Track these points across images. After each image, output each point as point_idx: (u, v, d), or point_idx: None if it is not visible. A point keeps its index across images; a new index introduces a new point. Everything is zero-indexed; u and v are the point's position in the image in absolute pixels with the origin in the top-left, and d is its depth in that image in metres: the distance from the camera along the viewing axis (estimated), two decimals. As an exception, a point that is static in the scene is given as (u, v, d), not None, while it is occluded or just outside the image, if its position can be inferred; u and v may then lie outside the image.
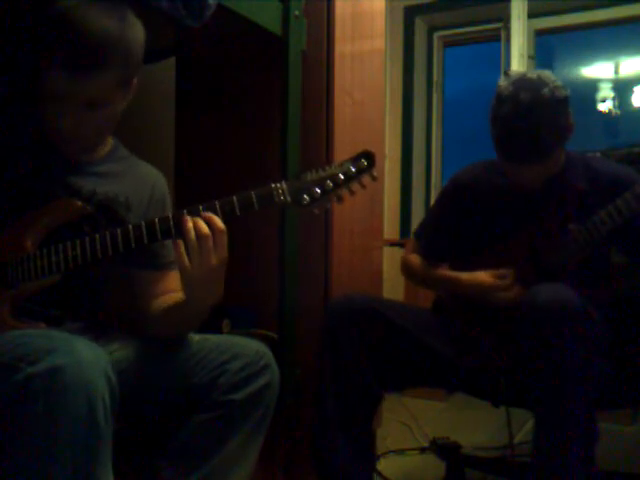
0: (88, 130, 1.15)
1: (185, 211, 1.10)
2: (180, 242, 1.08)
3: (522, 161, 1.48)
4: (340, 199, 1.16)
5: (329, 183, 1.14)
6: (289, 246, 1.66)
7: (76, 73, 1.07)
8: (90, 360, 0.87)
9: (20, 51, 1.17)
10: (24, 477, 0.84)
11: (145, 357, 1.22)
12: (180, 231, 1.08)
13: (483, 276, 1.54)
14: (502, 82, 1.48)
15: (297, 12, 1.70)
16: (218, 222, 1.08)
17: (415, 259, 1.77)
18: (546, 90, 1.43)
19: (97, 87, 1.10)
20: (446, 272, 1.67)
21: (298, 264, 1.69)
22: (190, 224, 1.07)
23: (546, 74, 1.47)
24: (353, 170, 1.15)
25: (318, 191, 1.14)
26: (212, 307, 1.18)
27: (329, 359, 1.48)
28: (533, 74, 1.48)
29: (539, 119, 1.42)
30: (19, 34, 1.17)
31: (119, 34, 1.10)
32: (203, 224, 1.07)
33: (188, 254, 1.08)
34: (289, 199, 1.13)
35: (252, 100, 1.91)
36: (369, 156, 1.17)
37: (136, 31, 1.14)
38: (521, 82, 1.46)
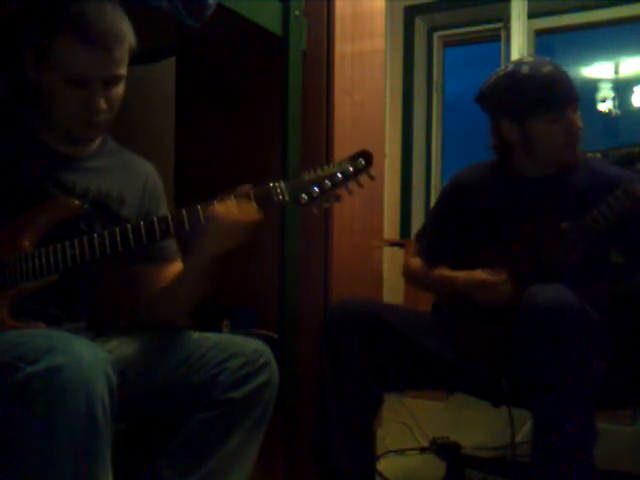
0: (104, 110, 1.16)
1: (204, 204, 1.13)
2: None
3: (567, 102, 1.52)
4: (338, 198, 1.17)
5: (327, 182, 1.15)
6: (289, 246, 1.66)
7: (98, 48, 1.09)
8: (90, 359, 0.87)
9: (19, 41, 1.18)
10: (24, 476, 0.84)
11: (144, 356, 1.22)
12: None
13: (478, 273, 1.55)
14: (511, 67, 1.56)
15: (297, 12, 1.70)
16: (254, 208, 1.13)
17: (416, 262, 1.77)
18: None
19: (112, 63, 1.12)
20: (444, 272, 1.67)
21: (298, 264, 1.69)
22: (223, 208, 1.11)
23: None
24: (351, 169, 1.16)
25: (316, 190, 1.14)
26: (211, 298, 1.20)
27: (329, 362, 1.48)
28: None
29: (559, 68, 1.54)
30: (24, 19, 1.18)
31: (118, 11, 1.14)
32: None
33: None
34: (287, 198, 1.14)
35: (252, 100, 1.91)
36: (367, 155, 1.17)
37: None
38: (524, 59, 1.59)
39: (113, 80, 1.14)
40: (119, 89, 1.17)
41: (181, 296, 1.23)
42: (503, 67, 1.59)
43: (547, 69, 1.52)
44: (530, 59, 1.58)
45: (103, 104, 1.14)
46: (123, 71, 1.16)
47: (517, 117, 1.54)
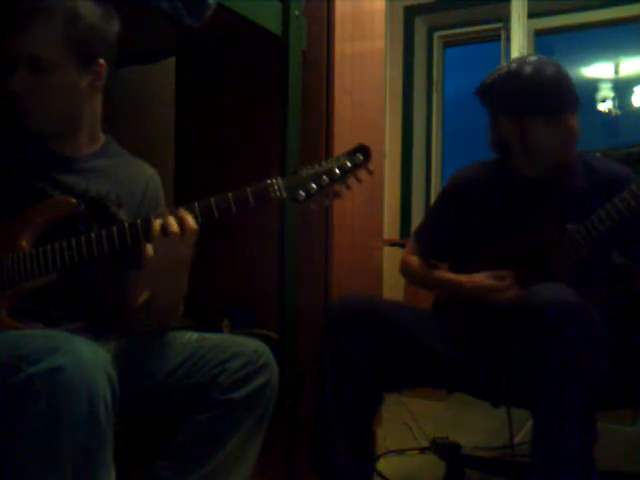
0: (38, 98, 1.15)
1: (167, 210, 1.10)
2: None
3: (567, 106, 1.51)
4: (337, 195, 1.15)
5: (325, 178, 1.13)
6: (289, 246, 1.66)
7: (13, 23, 1.10)
8: (91, 360, 0.87)
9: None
10: (25, 477, 0.84)
11: (144, 357, 1.22)
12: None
13: (482, 278, 1.54)
14: (510, 66, 1.56)
15: (297, 12, 1.70)
16: (190, 221, 1.08)
17: (414, 260, 1.77)
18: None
19: (35, 41, 1.11)
20: (445, 274, 1.66)
21: (298, 264, 1.69)
22: (158, 222, 1.07)
23: None
24: (349, 164, 1.14)
25: (314, 186, 1.13)
26: (200, 303, 1.17)
27: (329, 360, 1.48)
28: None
29: (562, 71, 1.53)
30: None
31: None
32: (173, 222, 1.07)
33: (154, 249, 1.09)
34: (285, 195, 1.12)
35: (252, 100, 1.91)
36: (365, 150, 1.16)
37: (91, 7, 1.16)
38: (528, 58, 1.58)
39: (37, 63, 1.13)
40: (48, 80, 1.15)
41: (156, 311, 1.21)
42: (506, 64, 1.58)
43: (550, 72, 1.51)
44: (534, 59, 1.56)
45: (18, 85, 1.13)
46: (50, 55, 1.13)
47: (516, 116, 1.54)
